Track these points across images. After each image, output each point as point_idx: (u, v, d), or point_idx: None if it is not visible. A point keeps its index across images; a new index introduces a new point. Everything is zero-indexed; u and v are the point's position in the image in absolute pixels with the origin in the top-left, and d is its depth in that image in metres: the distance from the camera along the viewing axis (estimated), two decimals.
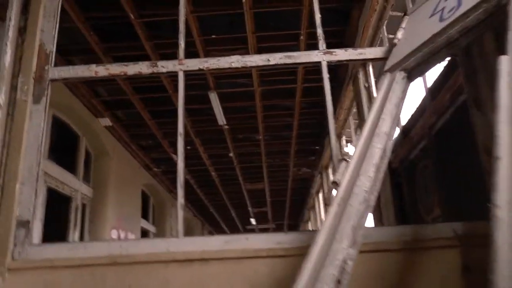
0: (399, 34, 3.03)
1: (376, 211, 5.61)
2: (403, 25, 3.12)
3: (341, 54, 3.13)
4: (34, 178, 2.98)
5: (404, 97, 2.45)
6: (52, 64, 3.13)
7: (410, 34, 2.89)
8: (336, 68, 7.81)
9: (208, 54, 6.86)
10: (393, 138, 2.23)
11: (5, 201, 2.91)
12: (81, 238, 9.22)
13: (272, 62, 3.04)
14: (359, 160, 2.08)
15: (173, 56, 6.79)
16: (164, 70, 3.08)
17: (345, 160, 2.19)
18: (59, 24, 3.36)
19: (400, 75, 2.57)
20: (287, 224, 22.72)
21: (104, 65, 3.10)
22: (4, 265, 2.84)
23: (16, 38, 3.11)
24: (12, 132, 2.99)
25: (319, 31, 3.23)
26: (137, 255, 2.81)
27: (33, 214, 2.94)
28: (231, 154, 11.39)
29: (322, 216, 14.52)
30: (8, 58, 3.01)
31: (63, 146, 8.81)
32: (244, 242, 2.79)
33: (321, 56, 3.12)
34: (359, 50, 3.21)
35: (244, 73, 7.48)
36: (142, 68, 3.10)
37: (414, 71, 2.58)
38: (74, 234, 8.82)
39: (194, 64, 3.09)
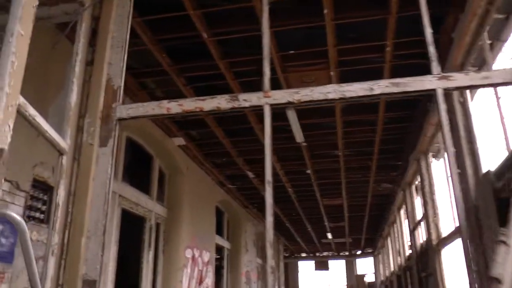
0: None
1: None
2: None
3: (461, 79, 2.52)
4: (101, 231, 2.62)
5: None
6: (120, 101, 2.77)
7: None
8: None
9: (285, 70, 6.41)
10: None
11: (71, 257, 2.58)
12: (155, 258, 9.06)
13: (376, 92, 2.48)
14: None
15: (248, 74, 6.48)
16: (247, 104, 2.63)
17: (503, 242, 1.59)
18: (131, 47, 3.02)
19: None
20: (364, 239, 21.77)
21: (177, 100, 2.70)
22: None
23: (83, 74, 2.78)
24: (78, 180, 2.66)
25: (431, 49, 2.64)
26: None
27: (100, 273, 2.59)
28: (308, 171, 10.85)
29: (405, 232, 13.59)
30: (74, 96, 2.69)
31: (136, 167, 8.69)
32: None
33: (435, 82, 2.52)
34: (484, 74, 2.58)
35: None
36: (221, 102, 2.67)
37: None
38: (148, 255, 8.66)
39: (281, 96, 2.60)
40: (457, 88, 2.56)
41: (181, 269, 9.51)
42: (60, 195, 2.56)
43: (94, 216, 2.64)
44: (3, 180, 1.75)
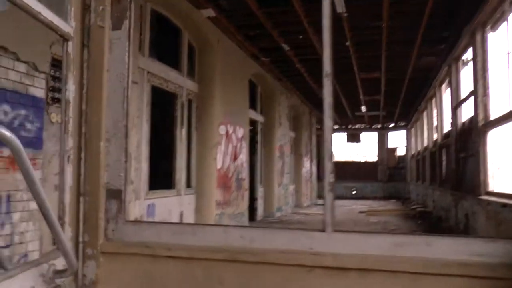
0: None
1: None
2: None
3: None
4: (123, 133, 2.19)
5: None
6: None
7: None
8: None
9: None
10: None
11: (90, 164, 2.18)
12: (189, 136, 8.87)
13: None
14: None
15: None
16: None
17: None
18: None
19: None
20: (398, 112, 21.24)
21: None
22: (96, 247, 2.19)
23: None
24: (90, 72, 2.16)
25: None
26: (266, 252, 1.99)
27: (125, 181, 2.21)
28: (347, 43, 10.03)
29: (445, 109, 12.94)
30: None
31: (164, 42, 8.11)
32: (424, 248, 1.84)
33: None
34: None
35: None
36: None
37: None
38: (181, 133, 8.47)
39: None
40: None
41: (215, 146, 9.36)
42: (70, 90, 2.09)
43: (113, 116, 2.19)
44: None
